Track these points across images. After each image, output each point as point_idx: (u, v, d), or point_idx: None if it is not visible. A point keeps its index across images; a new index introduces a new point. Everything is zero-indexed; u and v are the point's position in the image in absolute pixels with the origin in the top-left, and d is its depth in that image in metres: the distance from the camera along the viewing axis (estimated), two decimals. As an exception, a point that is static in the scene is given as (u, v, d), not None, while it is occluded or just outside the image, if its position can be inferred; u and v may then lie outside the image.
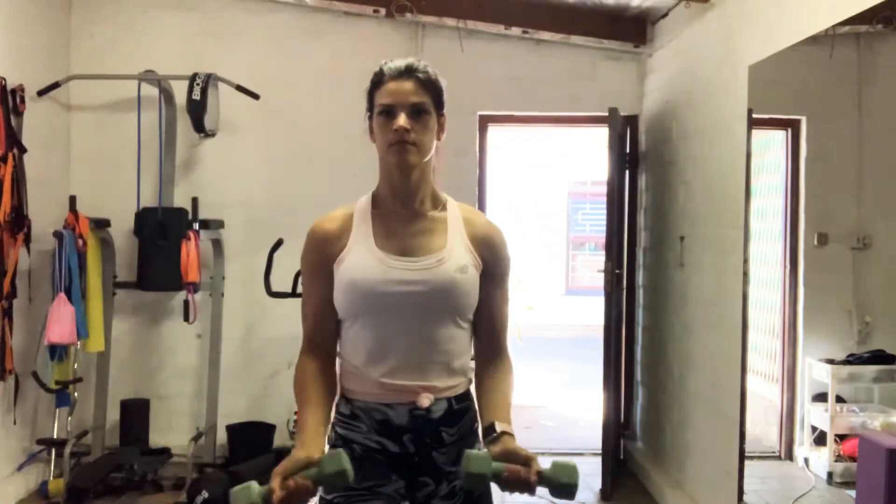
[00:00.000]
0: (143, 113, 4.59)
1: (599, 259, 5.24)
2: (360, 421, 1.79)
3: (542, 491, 1.61)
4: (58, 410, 4.39)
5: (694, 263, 4.12)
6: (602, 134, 4.76)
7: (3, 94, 4.01)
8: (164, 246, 4.44)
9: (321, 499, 1.84)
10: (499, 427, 1.72)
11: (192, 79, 4.45)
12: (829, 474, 3.29)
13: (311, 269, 1.84)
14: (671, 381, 4.45)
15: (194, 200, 4.63)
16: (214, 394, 4.66)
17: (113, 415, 4.62)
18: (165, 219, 4.51)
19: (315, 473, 1.58)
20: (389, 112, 1.74)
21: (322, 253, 1.81)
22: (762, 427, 3.68)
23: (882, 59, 3.12)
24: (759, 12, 3.40)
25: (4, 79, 4.04)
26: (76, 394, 4.49)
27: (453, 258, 1.77)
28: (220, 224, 4.69)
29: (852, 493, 3.14)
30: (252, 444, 4.60)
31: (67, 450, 4.21)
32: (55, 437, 4.39)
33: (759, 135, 3.45)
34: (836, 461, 3.26)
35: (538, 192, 15.75)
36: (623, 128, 4.88)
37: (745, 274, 3.37)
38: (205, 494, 3.92)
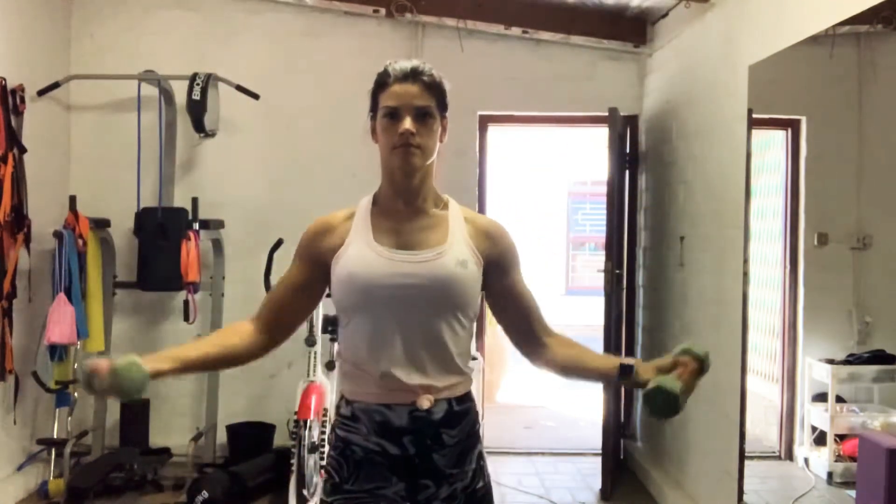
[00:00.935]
0: (143, 113, 4.59)
1: (599, 259, 5.24)
2: (360, 423, 1.79)
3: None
4: (58, 410, 4.39)
5: (694, 263, 4.12)
6: (602, 134, 4.76)
7: (3, 94, 4.01)
8: (164, 246, 4.44)
9: (321, 500, 1.84)
10: (625, 362, 1.84)
11: (192, 79, 4.45)
12: (829, 474, 3.29)
13: (298, 253, 1.88)
14: (671, 381, 4.44)
15: (194, 200, 4.63)
16: (214, 394, 4.66)
17: (113, 415, 4.62)
18: (165, 219, 4.51)
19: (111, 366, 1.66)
20: (394, 114, 1.75)
21: (315, 242, 1.84)
22: (762, 427, 3.69)
23: (882, 59, 3.12)
24: (759, 12, 3.40)
25: (4, 79, 4.04)
26: (76, 394, 4.48)
27: (453, 252, 1.78)
28: (220, 224, 4.69)
29: (852, 493, 3.14)
30: (252, 444, 4.60)
31: (67, 450, 4.21)
32: (55, 437, 4.38)
33: (759, 135, 3.45)
34: (836, 461, 3.26)
35: (538, 192, 15.74)
36: (623, 128, 4.88)
37: (745, 274, 3.37)
38: (205, 494, 3.92)
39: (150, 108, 4.60)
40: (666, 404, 1.73)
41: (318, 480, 3.67)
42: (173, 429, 4.77)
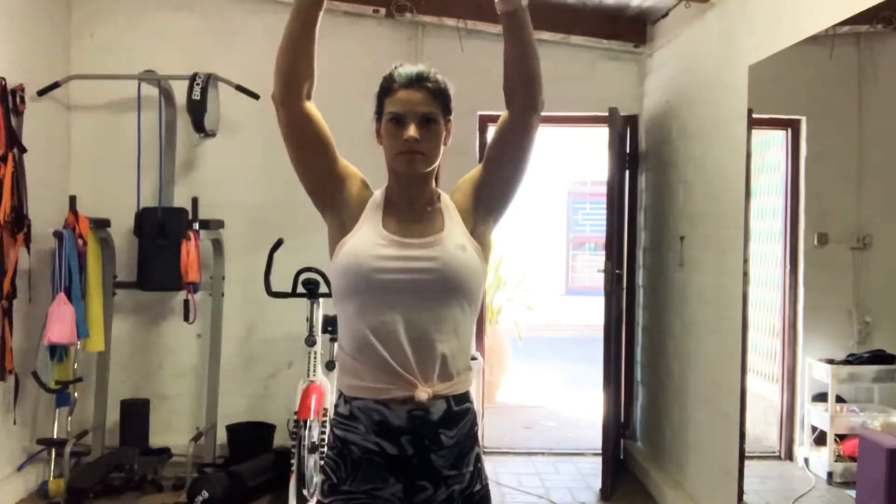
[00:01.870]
0: (143, 113, 4.59)
1: (599, 259, 5.24)
2: (358, 422, 1.79)
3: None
4: (58, 410, 4.39)
5: (694, 263, 4.12)
6: (602, 134, 4.75)
7: (3, 94, 4.01)
8: (164, 246, 4.44)
9: (318, 502, 1.84)
10: None
11: (192, 79, 4.45)
12: (829, 474, 3.29)
13: (342, 161, 1.87)
14: (671, 381, 4.45)
15: (194, 200, 4.63)
16: (214, 394, 4.66)
17: (113, 415, 4.62)
18: (165, 219, 4.51)
19: None
20: (399, 120, 1.77)
21: (349, 179, 1.85)
22: (762, 427, 3.69)
23: (882, 59, 3.12)
24: (759, 12, 3.40)
25: (4, 79, 4.04)
26: (76, 394, 4.48)
27: (452, 238, 1.80)
28: (220, 224, 4.69)
29: (852, 493, 3.14)
30: (252, 444, 4.60)
31: (67, 450, 4.21)
32: (55, 437, 4.38)
33: (759, 135, 3.45)
34: (836, 461, 3.26)
35: (538, 192, 15.73)
36: (623, 128, 4.88)
37: (745, 274, 3.37)
38: (205, 494, 3.92)
39: (150, 108, 4.60)
40: None
41: (317, 480, 3.67)
42: (173, 429, 4.77)
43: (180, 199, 4.68)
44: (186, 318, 4.49)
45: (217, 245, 4.71)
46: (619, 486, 4.60)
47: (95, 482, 4.12)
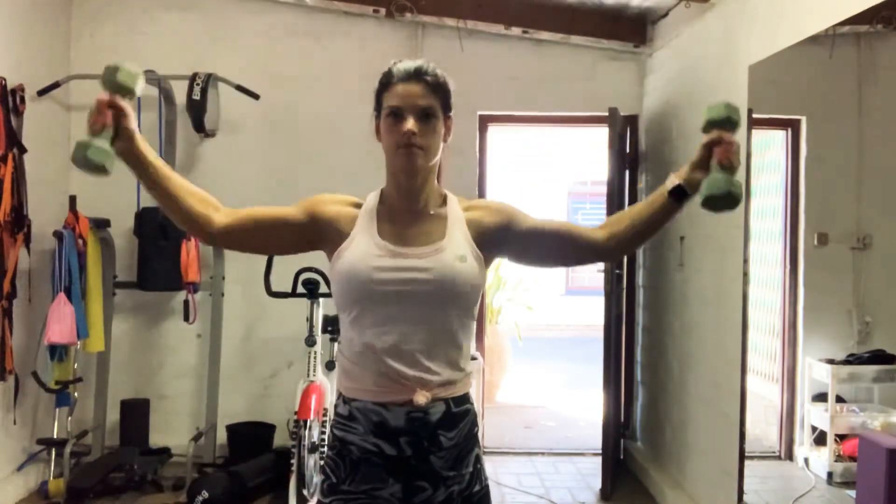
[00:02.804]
0: (142, 113, 4.57)
1: (599, 259, 5.23)
2: (357, 422, 1.79)
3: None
4: (58, 410, 4.39)
5: (694, 263, 4.12)
6: (602, 134, 4.75)
7: (3, 94, 4.01)
8: (164, 246, 4.44)
9: (318, 501, 1.83)
10: (672, 183, 1.84)
11: (192, 79, 4.45)
12: (829, 474, 3.29)
13: (304, 202, 1.87)
14: (671, 381, 4.45)
15: (194, 200, 4.62)
16: (214, 394, 4.66)
17: (113, 415, 4.62)
18: (165, 219, 4.47)
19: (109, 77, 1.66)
20: (397, 114, 1.75)
21: (325, 205, 1.85)
22: (762, 427, 3.68)
23: (882, 59, 3.12)
24: (759, 12, 3.40)
25: (4, 79, 4.04)
26: (76, 394, 4.48)
27: (451, 248, 1.78)
28: (220, 224, 4.68)
29: (852, 493, 3.14)
30: (252, 444, 4.60)
31: (67, 450, 4.21)
32: (55, 437, 4.38)
33: (759, 135, 3.45)
34: (836, 461, 3.26)
35: (538, 192, 15.74)
36: (623, 128, 4.88)
37: (745, 274, 3.37)
38: (205, 494, 3.92)
39: (150, 108, 4.60)
40: (726, 204, 1.71)
41: (317, 480, 3.67)
42: (173, 429, 4.77)
43: (180, 199, 4.67)
44: (186, 318, 4.49)
45: (217, 245, 4.71)
46: (619, 486, 4.60)
47: (95, 482, 4.12)
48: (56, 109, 4.67)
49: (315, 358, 4.03)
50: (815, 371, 3.38)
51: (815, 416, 3.41)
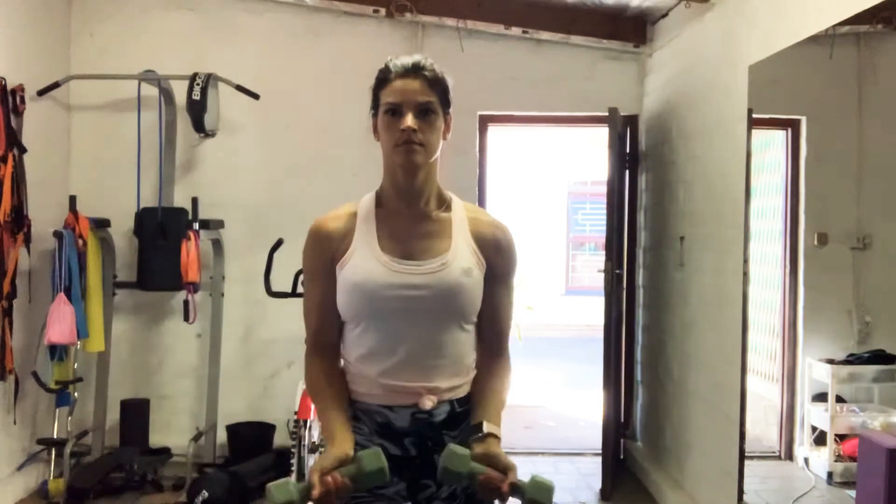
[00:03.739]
0: (143, 113, 4.59)
1: (599, 259, 5.24)
2: (362, 423, 1.79)
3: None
4: (58, 410, 4.39)
5: (694, 263, 4.12)
6: (602, 134, 4.75)
7: (3, 94, 4.01)
8: (164, 246, 4.44)
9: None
10: (486, 428, 1.70)
11: (192, 79, 4.45)
12: (829, 474, 3.29)
13: (313, 268, 1.81)
14: (671, 381, 4.45)
15: (194, 200, 4.63)
16: (214, 394, 4.66)
17: (113, 415, 4.62)
18: (165, 219, 4.51)
19: (354, 470, 1.58)
20: (396, 111, 1.72)
21: (324, 252, 1.78)
22: (762, 427, 3.68)
23: (882, 59, 3.11)
24: (759, 12, 3.40)
25: (4, 79, 4.04)
26: (76, 394, 4.48)
27: (457, 261, 1.75)
28: (220, 224, 4.69)
29: (852, 493, 3.13)
30: (252, 444, 4.60)
31: (67, 450, 4.21)
32: (55, 437, 4.38)
33: (759, 135, 3.45)
34: (836, 461, 3.26)
35: (538, 192, 15.74)
36: (623, 128, 4.88)
37: (745, 274, 3.37)
38: (205, 494, 3.92)
39: (150, 108, 4.61)
40: (455, 473, 1.60)
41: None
42: (173, 429, 4.77)
43: (180, 199, 4.68)
44: (186, 318, 4.49)
45: (217, 245, 4.71)
46: (619, 486, 4.60)
47: (95, 482, 4.12)
48: (56, 109, 4.67)
49: (315, 358, 4.03)
50: (815, 371, 3.38)
51: (815, 416, 3.41)
